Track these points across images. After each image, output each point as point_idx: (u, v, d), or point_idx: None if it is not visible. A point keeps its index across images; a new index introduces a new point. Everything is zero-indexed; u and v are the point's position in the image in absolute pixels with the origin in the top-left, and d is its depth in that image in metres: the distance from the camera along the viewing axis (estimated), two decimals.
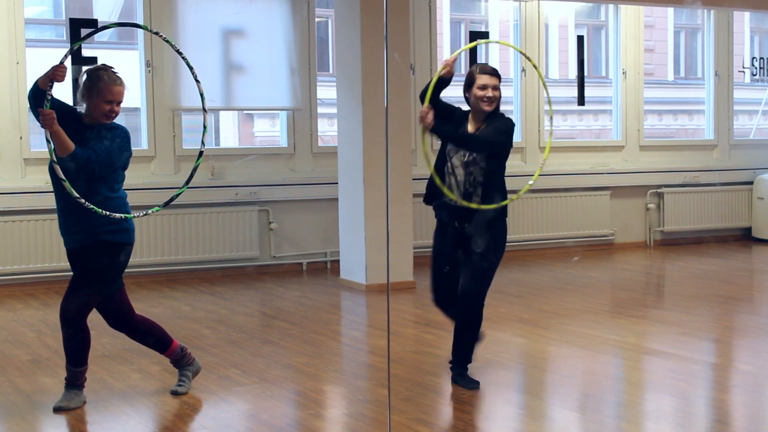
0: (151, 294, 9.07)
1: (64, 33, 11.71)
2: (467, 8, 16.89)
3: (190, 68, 5.53)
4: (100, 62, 9.21)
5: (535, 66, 6.27)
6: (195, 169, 5.48)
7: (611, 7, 12.49)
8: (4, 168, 9.32)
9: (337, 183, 9.68)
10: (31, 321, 7.92)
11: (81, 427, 5.25)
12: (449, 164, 5.88)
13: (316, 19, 10.78)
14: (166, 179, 9.85)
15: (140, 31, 9.85)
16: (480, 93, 5.73)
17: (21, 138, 9.35)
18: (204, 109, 5.55)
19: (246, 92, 10.50)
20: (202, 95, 5.53)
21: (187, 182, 5.51)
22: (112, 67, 5.44)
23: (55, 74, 5.09)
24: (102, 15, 12.16)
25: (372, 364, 6.63)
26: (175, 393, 5.73)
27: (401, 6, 9.22)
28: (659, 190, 12.36)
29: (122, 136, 5.41)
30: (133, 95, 9.97)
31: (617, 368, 6.68)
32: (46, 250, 9.35)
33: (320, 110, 10.85)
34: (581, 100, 11.70)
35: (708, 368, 6.54)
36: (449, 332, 7.34)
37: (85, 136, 5.32)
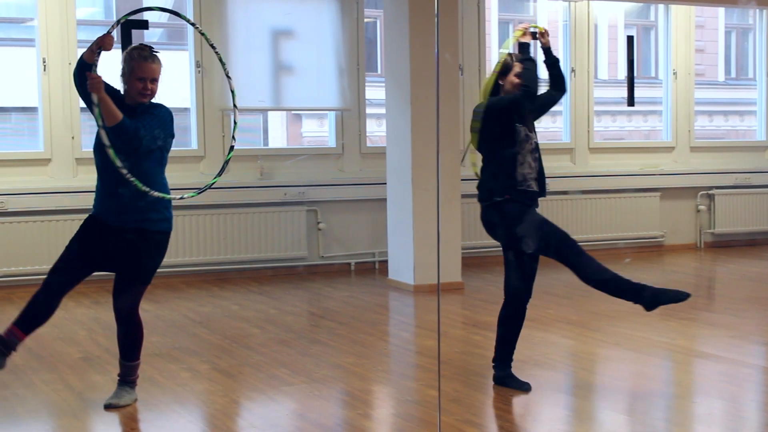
0: (200, 293, 9.12)
1: (114, 34, 11.80)
2: (516, 8, 16.85)
3: (222, 64, 5.56)
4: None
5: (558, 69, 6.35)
6: (227, 162, 5.52)
7: (661, 7, 12.40)
8: (57, 168, 9.42)
9: (385, 183, 9.68)
10: (83, 319, 8.00)
11: (131, 425, 5.29)
12: (521, 156, 5.83)
13: (365, 20, 10.79)
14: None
15: (190, 32, 9.92)
16: (517, 81, 5.74)
17: (73, 138, 9.45)
18: (234, 105, 5.57)
19: (294, 92, 10.54)
20: (233, 92, 5.57)
21: (220, 173, 5.55)
22: (149, 46, 5.42)
23: (104, 41, 5.07)
24: (152, 16, 12.25)
25: (420, 365, 6.63)
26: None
27: (450, 6, 9.21)
28: (710, 192, 12.25)
29: (166, 114, 5.40)
30: (183, 95, 10.06)
31: (667, 371, 6.63)
32: None
33: (368, 111, 10.86)
34: (631, 100, 11.60)
35: (759, 372, 6.47)
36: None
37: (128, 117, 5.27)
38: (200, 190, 5.52)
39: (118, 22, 5.30)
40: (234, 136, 5.62)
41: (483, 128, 5.83)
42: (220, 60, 5.56)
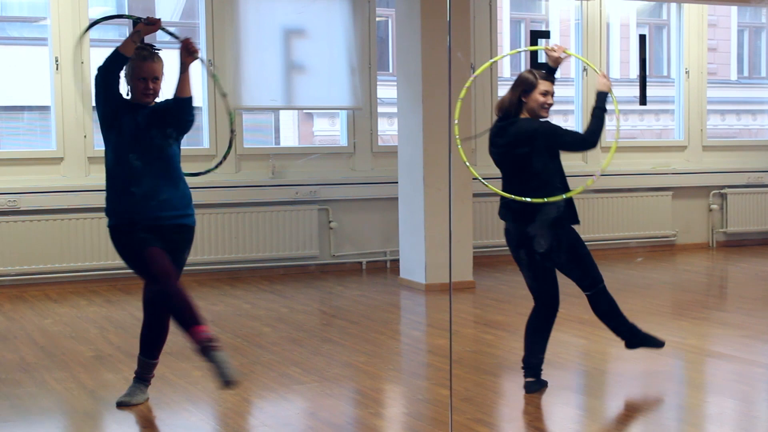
0: (212, 292, 9.14)
1: (127, 33, 11.83)
2: (528, 7, 16.83)
3: (203, 61, 5.59)
4: (163, 62, 9.33)
5: (596, 70, 6.22)
6: (228, 152, 5.63)
7: (674, 5, 12.37)
8: (69, 167, 9.45)
9: (397, 182, 9.68)
10: (95, 317, 8.01)
11: (144, 423, 5.30)
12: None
13: (377, 19, 10.80)
14: (227, 178, 9.93)
15: (202, 31, 9.92)
16: (542, 99, 5.65)
17: (85, 137, 9.47)
18: (223, 93, 5.60)
19: (306, 91, 10.54)
20: (220, 89, 5.59)
21: (223, 159, 5.75)
22: (149, 44, 5.40)
23: (149, 21, 5.21)
24: (164, 15, 12.28)
25: (431, 364, 6.63)
26: (122, 404, 5.48)
27: (462, 5, 9.20)
28: (722, 191, 12.22)
29: None
30: (195, 94, 10.04)
31: (679, 370, 6.62)
32: (110, 248, 9.38)
33: (380, 109, 10.87)
34: (643, 99, 11.58)
35: None
36: (508, 332, 7.35)
37: (136, 119, 5.28)
38: (204, 172, 5.59)
39: (90, 25, 5.30)
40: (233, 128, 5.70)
41: (518, 148, 5.69)
42: (202, 60, 5.60)
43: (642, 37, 12.09)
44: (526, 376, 5.78)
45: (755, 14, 17.68)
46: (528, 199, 5.54)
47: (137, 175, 5.25)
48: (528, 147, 5.60)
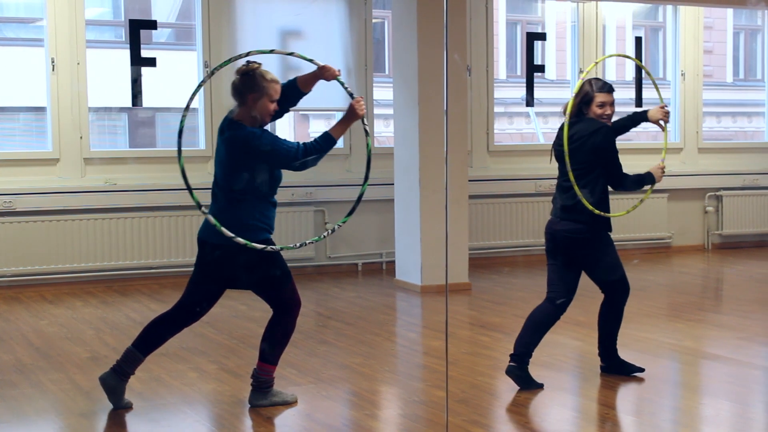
0: None
1: (123, 34, 11.82)
2: (524, 9, 16.84)
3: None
4: (159, 63, 9.34)
5: (648, 72, 6.40)
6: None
7: (670, 8, 12.39)
8: (65, 168, 9.44)
9: (393, 184, 9.69)
10: (90, 319, 8.01)
11: (139, 425, 5.30)
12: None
13: (373, 20, 10.79)
14: None
15: (198, 32, 9.92)
16: (599, 111, 5.96)
17: (81, 138, 9.46)
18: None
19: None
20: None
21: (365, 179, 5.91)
22: (260, 64, 5.47)
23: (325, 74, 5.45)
24: (160, 16, 12.27)
25: (427, 366, 6.63)
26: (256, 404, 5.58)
27: (458, 8, 9.21)
28: (718, 193, 12.24)
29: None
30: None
31: (674, 372, 6.63)
32: (106, 249, 9.46)
33: (376, 111, 10.87)
34: (639, 102, 11.58)
35: (766, 373, 6.46)
36: (504, 334, 7.35)
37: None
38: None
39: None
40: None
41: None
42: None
43: (638, 40, 12.08)
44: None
45: (751, 17, 17.69)
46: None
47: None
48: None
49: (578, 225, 5.93)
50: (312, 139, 5.47)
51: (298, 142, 5.40)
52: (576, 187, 5.82)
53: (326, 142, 5.45)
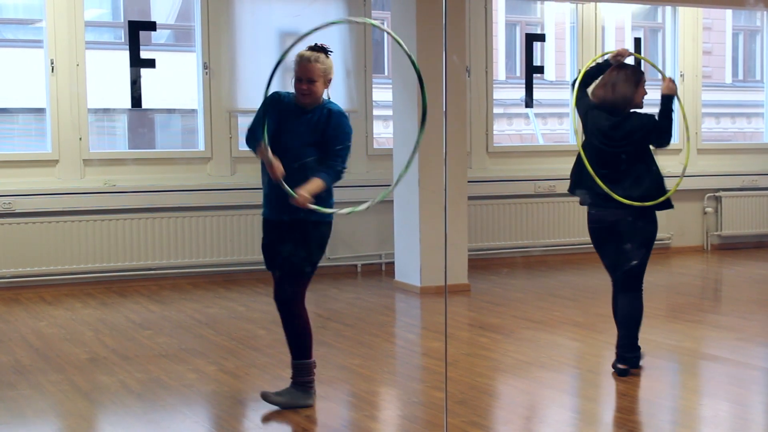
0: (206, 294, 9.13)
1: (122, 35, 11.83)
2: (523, 10, 16.84)
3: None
4: (158, 64, 9.36)
5: (663, 75, 6.47)
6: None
7: (669, 9, 12.39)
8: (64, 169, 9.44)
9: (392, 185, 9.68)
10: (90, 320, 8.01)
11: (138, 426, 5.30)
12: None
13: None
14: (222, 180, 9.93)
15: (197, 33, 9.92)
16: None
17: (80, 139, 9.46)
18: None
19: None
20: None
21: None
22: (321, 47, 5.57)
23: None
24: (159, 17, 12.28)
25: (426, 367, 6.64)
26: (286, 406, 5.55)
27: (457, 8, 9.21)
28: (717, 194, 12.24)
29: (346, 124, 5.60)
30: (190, 97, 10.08)
31: (673, 373, 6.63)
32: (105, 250, 9.46)
33: (375, 112, 10.86)
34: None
35: (765, 374, 6.46)
36: (503, 335, 7.37)
37: (301, 120, 5.41)
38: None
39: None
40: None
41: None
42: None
43: (637, 40, 12.12)
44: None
45: (750, 17, 17.70)
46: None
47: None
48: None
49: None
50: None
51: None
52: None
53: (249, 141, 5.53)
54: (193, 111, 10.19)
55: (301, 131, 5.35)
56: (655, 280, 10.20)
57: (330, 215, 5.50)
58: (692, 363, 6.80)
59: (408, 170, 5.45)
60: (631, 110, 6.15)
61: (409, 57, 4.88)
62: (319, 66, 5.44)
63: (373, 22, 5.68)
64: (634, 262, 6.21)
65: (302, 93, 5.41)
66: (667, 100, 6.15)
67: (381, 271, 10.54)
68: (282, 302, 5.53)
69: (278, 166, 5.12)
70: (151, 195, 9.58)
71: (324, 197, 5.37)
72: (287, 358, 6.58)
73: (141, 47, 9.39)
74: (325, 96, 5.51)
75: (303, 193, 5.13)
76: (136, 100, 9.47)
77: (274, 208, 5.45)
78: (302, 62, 5.42)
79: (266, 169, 5.21)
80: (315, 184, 5.23)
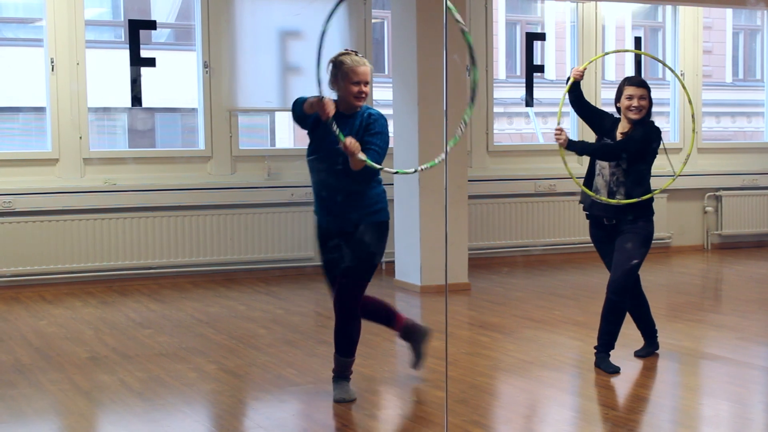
0: (207, 293, 9.13)
1: (122, 34, 11.83)
2: (523, 9, 16.85)
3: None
4: (158, 63, 9.36)
5: (676, 74, 6.63)
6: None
7: (669, 8, 12.39)
8: (64, 168, 9.44)
9: (392, 184, 9.68)
10: (90, 319, 8.01)
11: (138, 425, 5.30)
12: (598, 166, 6.49)
13: (373, 21, 10.79)
14: (222, 179, 9.93)
15: (198, 32, 9.92)
16: (627, 103, 6.35)
17: (81, 138, 9.46)
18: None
19: (302, 93, 10.48)
20: None
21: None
22: (355, 51, 5.59)
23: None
24: (160, 16, 12.29)
25: (427, 366, 6.62)
26: (341, 401, 5.64)
27: (458, 8, 9.16)
28: (717, 193, 12.24)
29: (384, 127, 5.61)
30: (191, 96, 10.08)
31: (674, 373, 6.63)
32: (105, 249, 9.46)
33: None
34: None
35: (766, 373, 6.46)
36: (504, 334, 7.36)
37: (345, 124, 5.49)
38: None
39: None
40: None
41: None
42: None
43: (637, 40, 12.11)
44: None
45: (750, 17, 17.71)
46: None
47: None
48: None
49: None
50: None
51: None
52: None
53: (295, 105, 5.82)
54: (194, 110, 10.19)
55: (345, 134, 5.37)
56: (655, 279, 10.20)
57: (386, 216, 5.68)
58: (693, 362, 6.79)
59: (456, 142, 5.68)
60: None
61: (462, 31, 4.80)
62: (370, 69, 5.56)
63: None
64: (635, 261, 6.28)
65: (359, 96, 5.52)
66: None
67: (381, 270, 10.53)
68: (345, 307, 5.64)
69: (330, 103, 5.26)
70: (152, 194, 9.58)
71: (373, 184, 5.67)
72: (288, 357, 6.60)
73: (141, 46, 9.38)
74: None
75: (352, 139, 5.23)
76: (137, 99, 9.47)
77: (336, 217, 5.65)
78: (357, 66, 5.51)
79: (316, 140, 5.59)
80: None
